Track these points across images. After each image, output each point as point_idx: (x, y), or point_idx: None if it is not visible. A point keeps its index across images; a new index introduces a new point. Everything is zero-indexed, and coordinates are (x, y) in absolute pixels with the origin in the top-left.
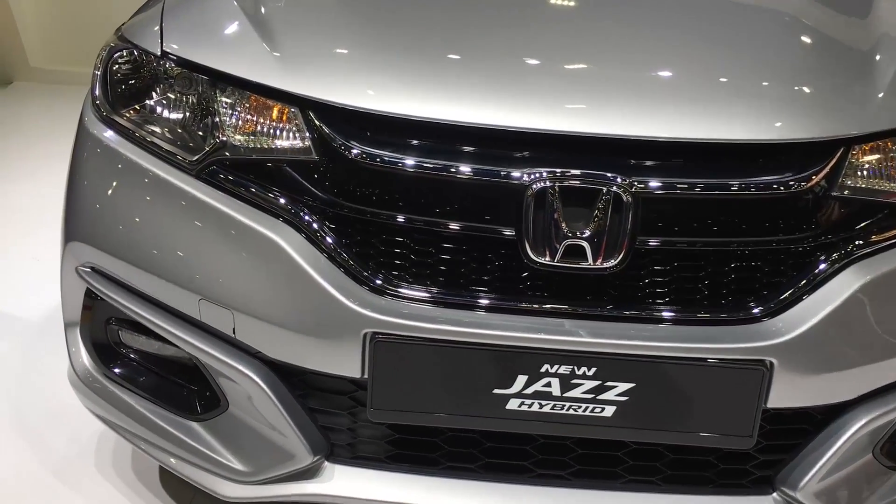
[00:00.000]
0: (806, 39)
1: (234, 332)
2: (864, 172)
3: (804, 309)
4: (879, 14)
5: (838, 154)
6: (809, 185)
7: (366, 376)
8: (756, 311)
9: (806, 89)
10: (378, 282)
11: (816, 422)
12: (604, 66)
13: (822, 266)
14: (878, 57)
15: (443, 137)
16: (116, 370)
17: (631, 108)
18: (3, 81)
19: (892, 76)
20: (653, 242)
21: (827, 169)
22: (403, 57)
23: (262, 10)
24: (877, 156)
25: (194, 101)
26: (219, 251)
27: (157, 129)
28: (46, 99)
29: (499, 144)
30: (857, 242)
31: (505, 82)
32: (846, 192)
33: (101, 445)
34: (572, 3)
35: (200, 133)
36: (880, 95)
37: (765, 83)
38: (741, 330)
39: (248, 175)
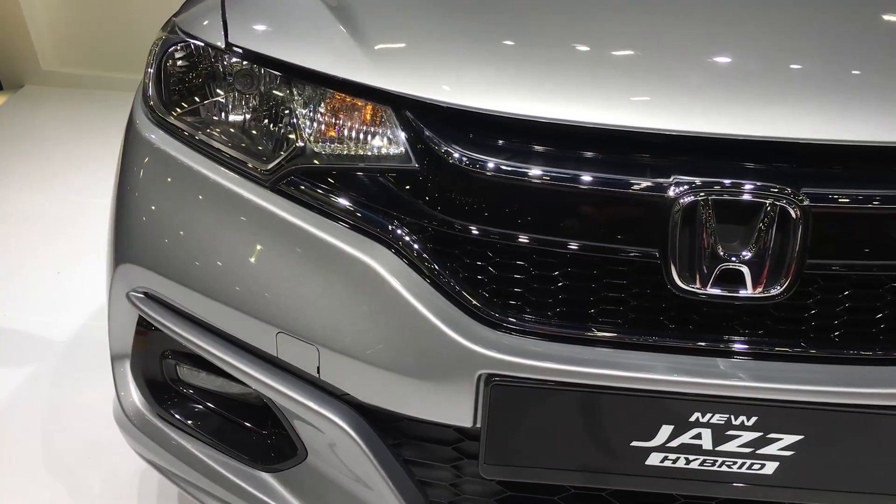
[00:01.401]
0: None
1: (318, 372)
2: None
3: None
4: None
5: None
6: None
7: (478, 425)
8: None
9: None
10: (494, 314)
11: None
12: (760, 56)
13: None
14: None
15: (570, 142)
16: (173, 410)
17: (795, 108)
18: (14, 85)
19: None
20: (825, 266)
21: None
22: (519, 46)
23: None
24: None
25: (266, 100)
26: (300, 276)
27: (223, 134)
28: (59, 103)
29: (639, 150)
30: None
31: (644, 76)
32: None
33: (143, 487)
34: None
35: (275, 138)
36: None
37: None
38: None
39: (332, 187)
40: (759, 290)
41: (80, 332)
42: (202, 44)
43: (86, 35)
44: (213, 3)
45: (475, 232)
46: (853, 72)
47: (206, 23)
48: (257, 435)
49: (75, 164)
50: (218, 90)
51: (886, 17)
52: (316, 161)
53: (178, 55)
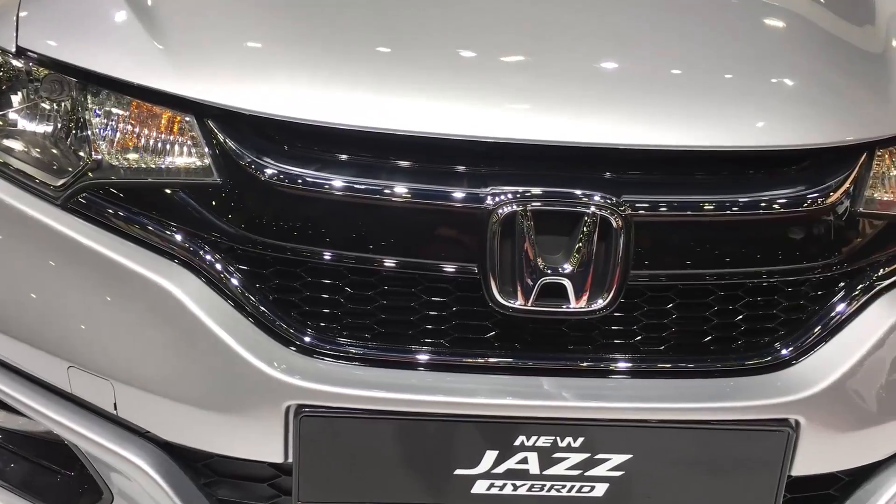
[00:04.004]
0: (812, 37)
1: (115, 408)
2: (889, 183)
3: (833, 352)
4: (884, 14)
5: (860, 162)
6: (831, 199)
7: (290, 460)
8: (777, 356)
9: (821, 88)
10: (303, 338)
11: (843, 486)
12: (582, 60)
13: (851, 297)
14: (889, 57)
15: (382, 151)
16: None
17: (617, 111)
18: None
19: None
20: (647, 276)
21: (849, 180)
22: (329, 50)
23: None
24: None
25: (58, 109)
26: (93, 304)
27: (12, 146)
28: None
29: (454, 159)
30: (888, 266)
31: (459, 82)
32: (872, 207)
33: None
34: None
35: (67, 151)
36: None
37: (773, 81)
38: (759, 382)
39: (129, 204)
40: (582, 303)
41: None
42: None
43: None
44: (10, 1)
45: (285, 251)
46: (673, 74)
47: None
48: (62, 477)
49: None
50: (6, 98)
51: (703, 19)
52: (112, 176)
53: None
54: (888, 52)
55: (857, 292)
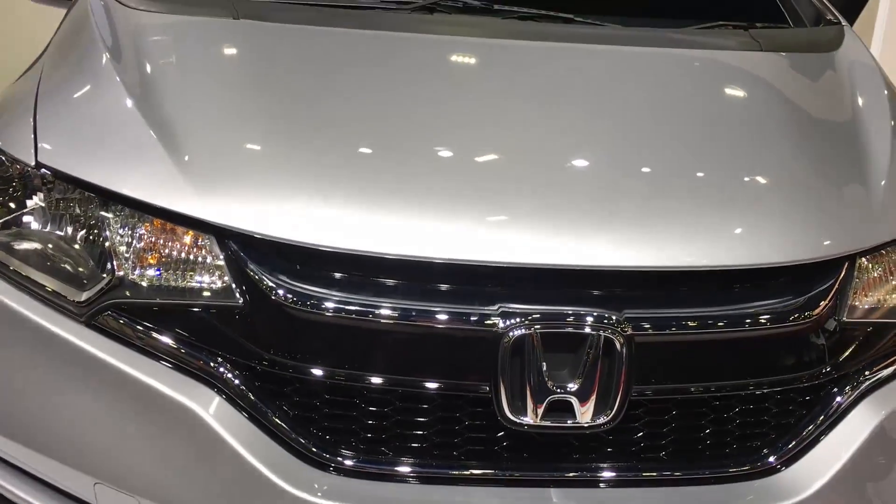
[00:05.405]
0: (793, 149)
1: None
2: (870, 291)
3: (819, 458)
4: (861, 118)
5: (842, 273)
6: (818, 310)
7: None
8: (765, 463)
9: (805, 203)
10: (324, 455)
11: None
12: (584, 186)
13: (836, 403)
14: (867, 166)
15: (399, 275)
16: None
17: (618, 235)
18: None
19: (884, 185)
20: (649, 391)
21: (833, 290)
22: (347, 178)
23: (164, 108)
24: (880, 271)
25: (82, 225)
26: (117, 421)
27: (34, 260)
28: None
29: (466, 282)
30: (870, 371)
31: (474, 210)
32: (855, 315)
33: None
34: (533, 99)
35: (91, 268)
36: (876, 205)
37: (760, 198)
38: (753, 489)
39: (153, 322)
40: (587, 418)
41: None
42: (10, 158)
43: None
44: (26, 105)
45: (306, 372)
46: (669, 194)
47: (14, 132)
48: None
49: None
50: (28, 212)
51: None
52: (135, 294)
53: None
54: (868, 158)
55: (842, 397)
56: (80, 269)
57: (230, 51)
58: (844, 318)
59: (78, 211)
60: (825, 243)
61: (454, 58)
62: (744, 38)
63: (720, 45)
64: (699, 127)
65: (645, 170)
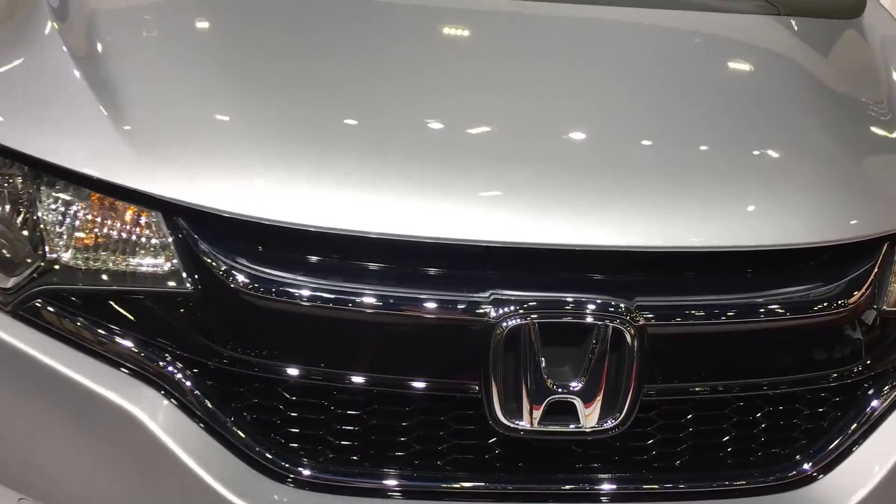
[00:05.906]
0: (821, 119)
1: None
2: None
3: (860, 464)
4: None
5: (881, 256)
6: (855, 298)
7: None
8: (800, 471)
9: (837, 177)
10: (284, 465)
11: None
12: (588, 157)
13: (875, 402)
14: None
15: (376, 258)
16: None
17: (626, 211)
18: None
19: None
20: (663, 390)
21: (871, 276)
22: (318, 146)
23: (109, 70)
24: None
25: (13, 202)
26: (46, 428)
27: None
28: None
29: (454, 266)
30: None
31: (463, 182)
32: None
33: None
34: (528, 62)
35: (19, 248)
36: None
37: (787, 175)
38: (785, 501)
39: (89, 312)
40: (593, 422)
41: None
42: None
43: None
44: None
45: (267, 368)
46: (686, 169)
47: None
48: None
49: None
50: None
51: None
52: (69, 279)
53: None
54: None
55: (881, 397)
56: (9, 253)
57: (187, 10)
58: (885, 308)
59: (8, 185)
60: (861, 222)
61: (443, 19)
62: (760, 0)
63: (737, 9)
64: (715, 95)
65: (656, 140)
